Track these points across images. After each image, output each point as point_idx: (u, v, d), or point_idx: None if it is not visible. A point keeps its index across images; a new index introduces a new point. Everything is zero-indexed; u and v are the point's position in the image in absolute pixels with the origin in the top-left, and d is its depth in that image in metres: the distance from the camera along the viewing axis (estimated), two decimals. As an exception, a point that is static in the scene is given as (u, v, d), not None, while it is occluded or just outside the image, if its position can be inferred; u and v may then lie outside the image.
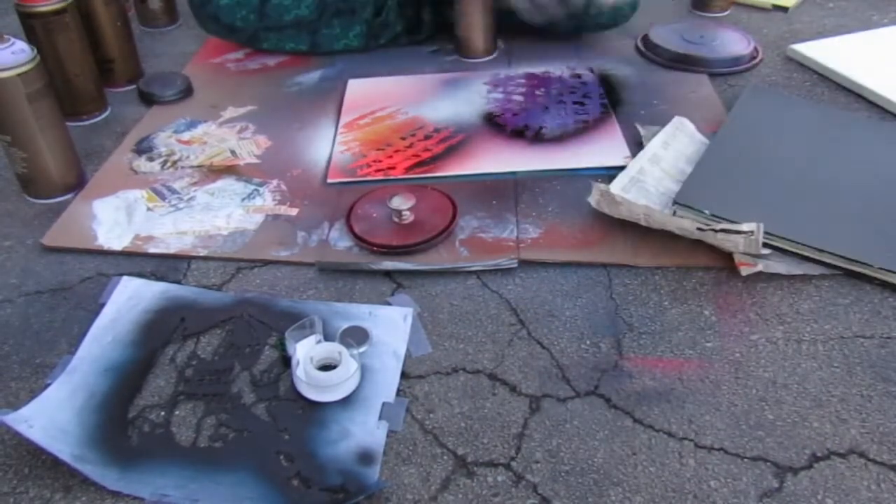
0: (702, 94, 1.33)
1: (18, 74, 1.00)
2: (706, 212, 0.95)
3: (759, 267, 0.92)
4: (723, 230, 0.90)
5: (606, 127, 1.23)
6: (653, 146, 1.12)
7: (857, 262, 0.91)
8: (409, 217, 0.99)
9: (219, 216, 1.06)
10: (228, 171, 1.16)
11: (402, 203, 0.97)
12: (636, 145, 1.17)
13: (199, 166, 1.18)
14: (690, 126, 1.19)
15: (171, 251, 1.00)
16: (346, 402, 0.79)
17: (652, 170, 1.07)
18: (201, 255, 1.00)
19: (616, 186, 1.06)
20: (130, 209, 1.08)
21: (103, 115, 1.33)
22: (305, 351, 0.82)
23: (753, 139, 1.12)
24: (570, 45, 1.52)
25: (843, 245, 0.91)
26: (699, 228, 0.92)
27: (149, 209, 1.08)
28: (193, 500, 0.70)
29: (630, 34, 1.55)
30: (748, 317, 0.89)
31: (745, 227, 0.88)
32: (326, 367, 0.81)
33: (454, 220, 1.01)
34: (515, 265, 0.96)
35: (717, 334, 0.86)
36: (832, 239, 0.89)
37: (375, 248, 0.97)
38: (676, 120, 1.19)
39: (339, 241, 1.01)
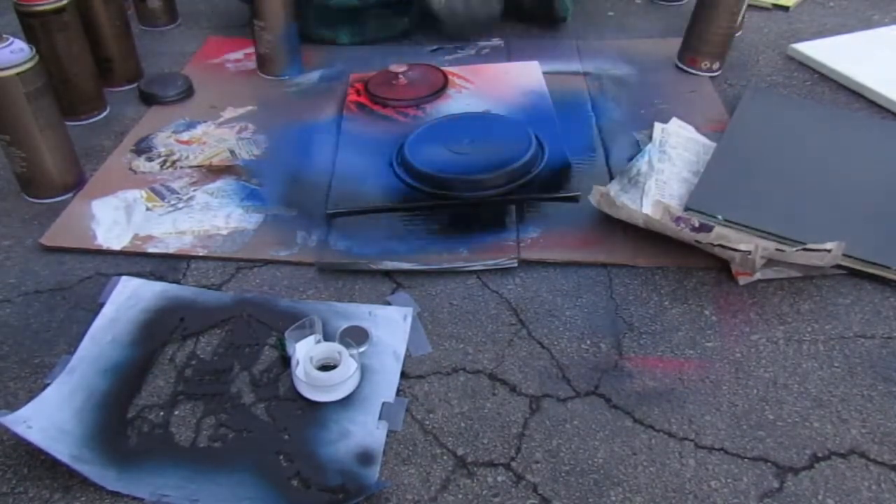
0: (702, 94, 1.33)
1: (17, 74, 1.00)
2: (719, 217, 0.95)
3: (757, 276, 0.92)
4: (720, 245, 0.90)
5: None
6: (650, 148, 1.12)
7: (875, 264, 0.91)
8: (403, 80, 1.34)
9: (218, 216, 1.06)
10: (228, 171, 1.16)
11: (397, 67, 1.37)
12: (634, 145, 1.17)
13: (198, 166, 1.17)
14: (689, 127, 1.19)
15: (171, 251, 1.00)
16: (346, 402, 0.79)
17: (650, 171, 1.07)
18: (200, 254, 1.00)
19: (615, 187, 1.06)
20: (129, 209, 1.08)
21: (102, 115, 1.33)
22: (305, 351, 0.81)
23: (758, 142, 1.12)
24: (570, 43, 1.52)
25: (859, 248, 0.91)
26: (697, 241, 0.92)
27: (148, 209, 1.08)
28: (193, 501, 0.70)
29: (617, 37, 1.55)
30: (748, 317, 0.89)
31: (742, 245, 0.88)
32: (326, 367, 0.81)
33: (445, 86, 1.34)
34: (515, 265, 0.96)
35: (717, 334, 0.86)
36: (848, 242, 0.88)
37: (377, 98, 1.32)
38: (674, 121, 1.19)
39: (339, 241, 1.01)
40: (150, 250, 1.00)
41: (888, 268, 0.91)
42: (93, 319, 0.89)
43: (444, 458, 0.74)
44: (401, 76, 1.36)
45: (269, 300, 0.92)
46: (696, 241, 0.92)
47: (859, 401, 0.78)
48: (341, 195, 1.08)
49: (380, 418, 0.77)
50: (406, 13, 1.55)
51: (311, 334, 0.83)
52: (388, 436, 0.76)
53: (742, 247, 0.88)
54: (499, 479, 0.72)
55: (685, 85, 1.36)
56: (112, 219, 1.06)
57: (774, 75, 1.39)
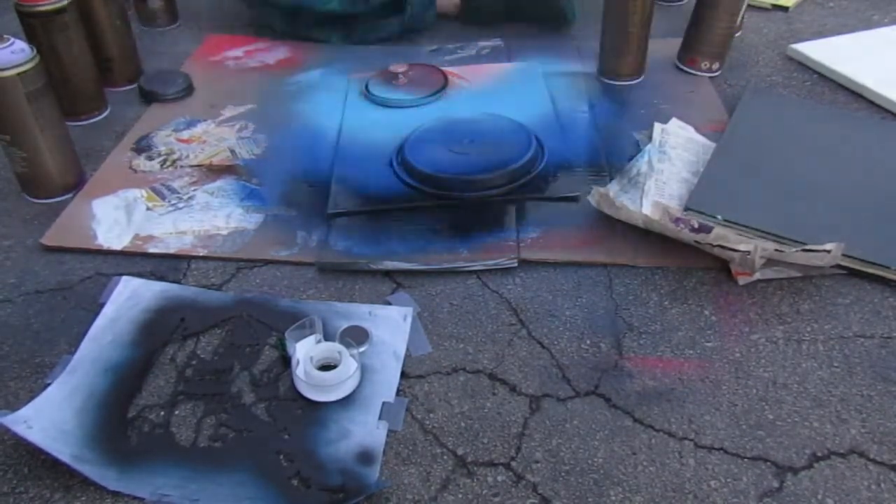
0: (702, 94, 1.33)
1: (18, 74, 1.00)
2: (718, 217, 0.95)
3: (757, 276, 0.92)
4: (719, 246, 0.90)
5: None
6: (650, 148, 1.12)
7: (875, 264, 0.91)
8: (403, 79, 1.35)
9: (218, 216, 1.06)
10: (228, 170, 1.16)
11: (397, 67, 1.38)
12: (633, 146, 1.17)
13: (198, 165, 1.17)
14: (689, 127, 1.19)
15: (171, 251, 1.00)
16: (346, 401, 0.79)
17: (650, 171, 1.07)
18: (201, 254, 1.00)
19: (614, 187, 1.06)
20: (130, 209, 1.08)
21: (103, 115, 1.33)
22: (305, 351, 0.81)
23: (758, 142, 1.12)
24: (570, 43, 1.52)
25: (859, 248, 0.91)
26: (696, 241, 0.92)
27: (148, 209, 1.08)
28: (193, 500, 0.70)
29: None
30: (748, 317, 0.89)
31: (741, 246, 0.88)
32: (326, 366, 0.81)
33: (444, 86, 1.34)
34: (515, 265, 0.96)
35: (717, 334, 0.86)
36: (847, 242, 0.88)
37: (378, 98, 1.32)
38: (674, 121, 1.19)
39: (339, 241, 1.01)
40: (151, 250, 1.00)
41: (888, 268, 0.91)
42: (93, 319, 0.89)
43: (444, 457, 0.74)
44: (401, 76, 1.36)
45: (270, 300, 0.92)
46: (696, 242, 0.92)
47: (859, 400, 0.78)
48: (341, 195, 1.08)
49: (380, 418, 0.77)
50: (397, 16, 1.54)
51: (311, 334, 0.83)
52: (388, 435, 0.76)
53: (741, 247, 0.88)
54: (499, 478, 0.72)
55: (685, 85, 1.36)
56: (112, 218, 1.06)
57: (774, 75, 1.40)
